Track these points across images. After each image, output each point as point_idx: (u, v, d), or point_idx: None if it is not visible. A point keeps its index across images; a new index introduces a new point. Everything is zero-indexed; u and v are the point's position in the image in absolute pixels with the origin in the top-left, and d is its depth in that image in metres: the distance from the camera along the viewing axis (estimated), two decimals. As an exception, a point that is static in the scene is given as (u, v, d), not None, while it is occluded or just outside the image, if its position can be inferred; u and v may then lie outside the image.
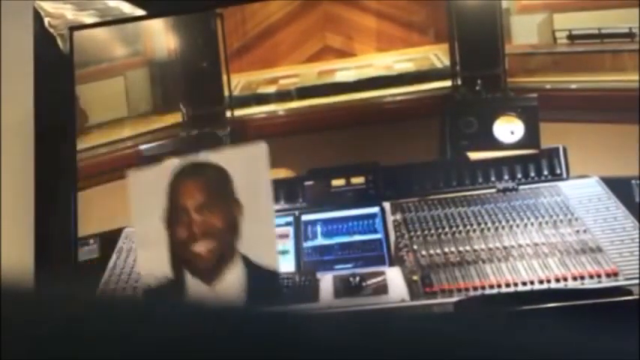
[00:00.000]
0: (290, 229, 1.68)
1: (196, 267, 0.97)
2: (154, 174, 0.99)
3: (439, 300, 1.51)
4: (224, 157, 0.98)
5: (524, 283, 1.49)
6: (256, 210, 0.96)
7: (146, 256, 0.99)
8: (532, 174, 1.63)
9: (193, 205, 0.97)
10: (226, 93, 1.80)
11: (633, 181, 1.53)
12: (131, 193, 1.00)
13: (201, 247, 0.96)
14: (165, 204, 0.98)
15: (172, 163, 0.99)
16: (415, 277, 1.54)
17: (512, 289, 1.49)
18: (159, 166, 1.00)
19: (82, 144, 1.80)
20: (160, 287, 0.98)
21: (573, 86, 1.65)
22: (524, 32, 1.68)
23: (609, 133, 1.59)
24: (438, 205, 1.64)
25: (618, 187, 1.55)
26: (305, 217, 1.69)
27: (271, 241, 0.96)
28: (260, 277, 0.96)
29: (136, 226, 1.00)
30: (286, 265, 1.63)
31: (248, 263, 0.96)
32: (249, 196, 0.96)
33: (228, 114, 1.79)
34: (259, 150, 0.99)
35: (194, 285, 0.97)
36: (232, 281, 0.96)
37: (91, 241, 1.72)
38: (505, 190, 1.63)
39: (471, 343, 0.34)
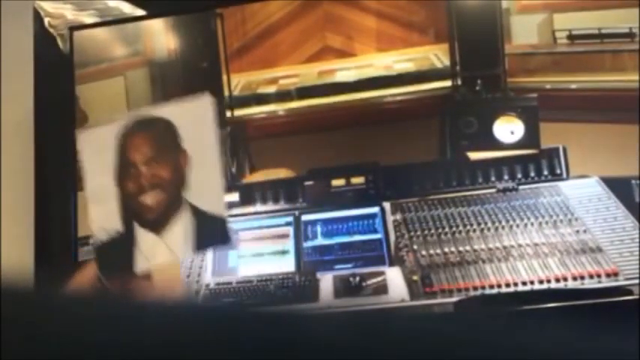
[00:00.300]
0: (290, 229, 1.68)
1: (145, 218, 1.00)
2: (103, 132, 1.01)
3: (439, 300, 1.51)
4: (170, 110, 1.00)
5: (524, 283, 1.49)
6: (202, 159, 0.99)
7: (97, 212, 1.01)
8: (532, 174, 1.63)
9: (141, 158, 1.00)
10: (226, 93, 1.80)
11: (633, 181, 1.53)
12: (82, 152, 1.02)
13: (149, 199, 0.98)
14: (115, 160, 1.01)
15: (120, 120, 1.00)
16: (415, 277, 1.54)
17: (512, 289, 1.49)
18: (107, 124, 1.02)
19: (82, 144, 1.80)
20: (111, 241, 1.00)
21: (573, 86, 1.65)
22: (524, 32, 1.68)
23: (609, 133, 1.59)
24: (438, 205, 1.64)
25: (618, 187, 1.55)
26: (305, 217, 1.69)
27: (218, 188, 0.98)
28: (208, 223, 0.98)
29: (87, 184, 1.01)
30: (286, 265, 1.64)
31: (196, 211, 0.98)
32: (195, 146, 0.99)
33: (228, 114, 1.79)
34: (204, 101, 1.00)
35: (143, 236, 0.99)
36: (180, 229, 0.98)
37: (92, 240, 1.72)
38: (505, 190, 1.63)
39: (471, 343, 0.34)
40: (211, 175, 0.96)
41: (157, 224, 0.98)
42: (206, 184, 0.97)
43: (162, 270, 1.01)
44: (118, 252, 0.99)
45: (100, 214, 1.00)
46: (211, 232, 0.96)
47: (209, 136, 0.97)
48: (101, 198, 1.00)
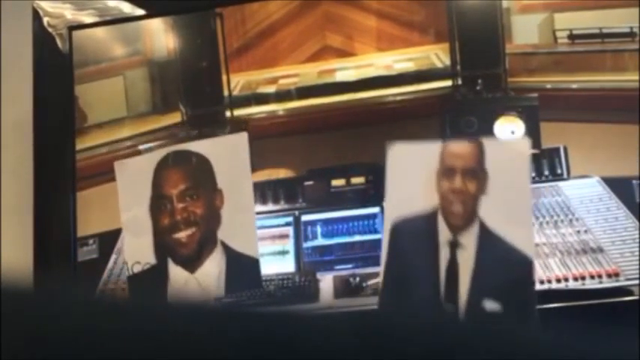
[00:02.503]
0: (290, 229, 1.68)
1: (178, 254, 1.00)
2: (140, 163, 1.02)
3: (439, 300, 1.51)
4: (206, 146, 1.00)
5: (524, 284, 1.49)
6: (237, 198, 0.99)
7: (132, 244, 1.01)
8: (533, 174, 1.62)
9: (176, 193, 1.00)
10: (226, 93, 1.80)
11: (634, 181, 1.53)
12: (119, 183, 1.03)
13: (182, 234, 0.99)
14: (149, 193, 1.01)
15: (157, 153, 1.01)
16: (415, 278, 1.54)
17: (512, 289, 1.49)
18: (144, 156, 1.02)
19: (81, 144, 1.80)
20: (144, 274, 0.99)
21: (574, 86, 1.65)
22: (524, 32, 1.68)
23: (610, 133, 1.59)
24: (438, 205, 1.64)
25: (619, 187, 1.55)
26: (305, 217, 1.69)
27: (251, 228, 0.99)
28: (240, 263, 0.98)
29: (123, 215, 1.02)
30: (286, 265, 1.64)
31: (228, 250, 0.98)
32: (230, 184, 0.99)
33: (228, 114, 1.79)
34: (240, 139, 1.01)
35: (176, 272, 0.99)
36: (213, 268, 0.98)
37: (91, 241, 1.72)
38: (505, 190, 1.62)
39: (470, 343, 0.34)
40: (245, 216, 0.96)
41: (190, 261, 0.98)
42: (239, 224, 0.96)
43: None
44: (151, 286, 0.99)
45: (134, 246, 1.00)
46: (243, 274, 0.96)
47: (244, 176, 0.97)
48: (136, 230, 1.00)
